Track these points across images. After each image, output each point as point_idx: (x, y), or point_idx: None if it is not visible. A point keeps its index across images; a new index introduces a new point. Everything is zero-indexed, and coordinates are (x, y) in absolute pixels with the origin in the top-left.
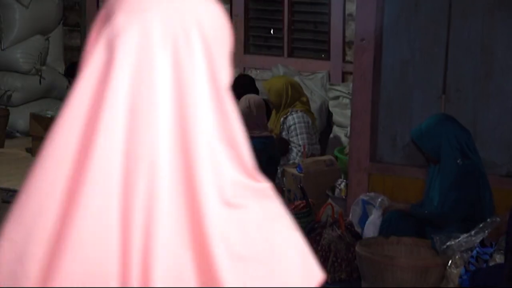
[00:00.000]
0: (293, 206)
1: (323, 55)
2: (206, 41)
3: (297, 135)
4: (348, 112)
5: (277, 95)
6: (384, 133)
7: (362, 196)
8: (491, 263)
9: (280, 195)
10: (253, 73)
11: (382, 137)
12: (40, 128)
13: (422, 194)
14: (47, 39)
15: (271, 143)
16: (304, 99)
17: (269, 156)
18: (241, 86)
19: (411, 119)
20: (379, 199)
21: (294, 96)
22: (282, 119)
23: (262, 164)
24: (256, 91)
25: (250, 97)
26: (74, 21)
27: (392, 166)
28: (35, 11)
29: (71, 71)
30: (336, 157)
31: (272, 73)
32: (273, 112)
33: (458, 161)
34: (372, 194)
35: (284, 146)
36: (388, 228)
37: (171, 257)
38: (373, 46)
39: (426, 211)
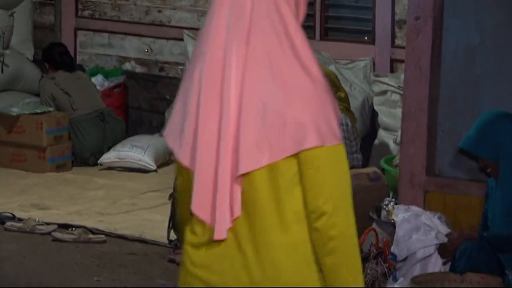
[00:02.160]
0: None
1: (366, 38)
2: None
3: None
4: (398, 111)
5: None
6: (444, 139)
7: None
8: None
9: None
10: None
11: (442, 144)
12: (2, 129)
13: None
14: (11, 14)
15: None
16: (342, 94)
17: None
18: None
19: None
20: (436, 216)
21: (333, 89)
22: None
23: None
24: None
25: None
26: None
27: (455, 181)
28: None
29: (50, 54)
30: (383, 170)
31: None
32: None
33: None
34: (427, 213)
35: None
36: (465, 263)
37: None
38: (431, 26)
39: (505, 233)
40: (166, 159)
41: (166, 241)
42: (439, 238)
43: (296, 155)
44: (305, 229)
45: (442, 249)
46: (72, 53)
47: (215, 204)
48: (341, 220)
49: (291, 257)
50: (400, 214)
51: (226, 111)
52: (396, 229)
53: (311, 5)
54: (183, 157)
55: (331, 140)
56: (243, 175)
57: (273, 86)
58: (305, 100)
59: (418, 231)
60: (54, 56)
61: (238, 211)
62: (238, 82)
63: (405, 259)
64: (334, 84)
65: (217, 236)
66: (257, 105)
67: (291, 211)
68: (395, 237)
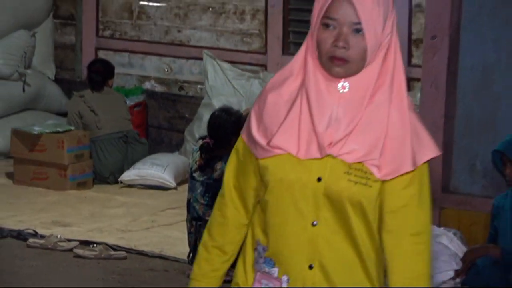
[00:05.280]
0: None
1: None
2: None
3: None
4: None
5: None
6: (460, 157)
7: None
8: None
9: None
10: None
11: (458, 162)
12: (24, 147)
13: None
14: (33, 35)
15: None
16: None
17: None
18: None
19: (495, 137)
20: (451, 233)
21: None
22: None
23: None
24: None
25: None
26: (68, 12)
27: (470, 199)
28: (18, 0)
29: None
30: None
31: None
32: None
33: None
34: (441, 229)
35: None
36: (478, 278)
37: None
38: (447, 45)
39: None
40: (185, 176)
41: (186, 258)
42: (458, 263)
43: None
44: None
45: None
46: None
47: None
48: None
49: None
50: None
51: None
52: None
53: None
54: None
55: None
56: None
57: None
58: None
59: (438, 253)
60: (88, 74)
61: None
62: None
63: None
64: None
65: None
66: None
67: None
68: None
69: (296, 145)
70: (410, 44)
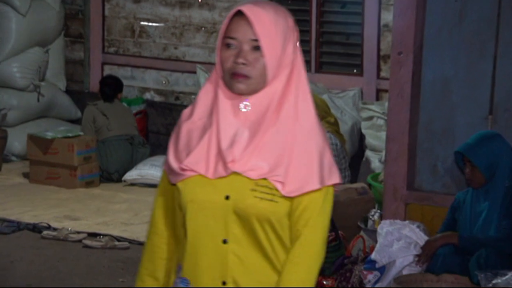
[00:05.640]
0: None
1: (355, 70)
2: None
3: None
4: (383, 134)
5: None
6: (423, 158)
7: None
8: None
9: None
10: None
11: (421, 163)
12: (39, 151)
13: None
14: (47, 51)
15: None
16: (332, 119)
17: None
18: None
19: (454, 142)
20: (415, 226)
21: (319, 115)
22: None
23: None
24: None
25: None
26: (77, 31)
27: (432, 195)
28: (34, 20)
29: (107, 82)
30: (369, 185)
31: None
32: None
33: (506, 184)
34: (406, 222)
35: None
36: (441, 265)
37: None
38: (411, 60)
39: (483, 237)
40: None
41: None
42: (418, 250)
43: None
44: None
45: (420, 255)
46: (98, 84)
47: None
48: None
49: None
50: (385, 227)
51: None
52: (379, 239)
53: (307, 42)
54: None
55: None
56: None
57: None
58: None
59: (399, 241)
60: (100, 87)
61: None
62: None
63: (380, 269)
64: (325, 110)
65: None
66: None
67: None
68: (377, 246)
69: (205, 165)
70: (379, 59)
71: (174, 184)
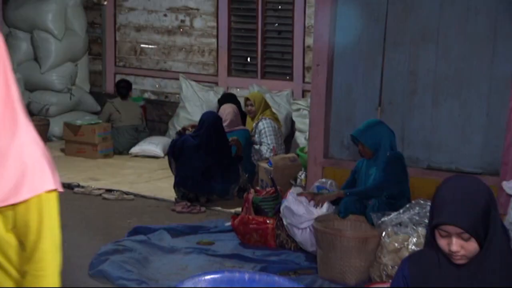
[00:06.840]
0: (265, 192)
1: (287, 77)
2: None
3: (266, 136)
4: (307, 120)
5: (259, 103)
6: (334, 137)
7: (317, 183)
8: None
9: (256, 184)
10: (234, 91)
11: (333, 140)
12: (71, 133)
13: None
14: (76, 65)
15: (249, 133)
16: (272, 110)
17: (249, 141)
18: (227, 99)
19: (355, 125)
20: (329, 182)
21: (266, 106)
22: (254, 124)
23: (244, 146)
24: (238, 102)
25: (231, 105)
26: (97, 51)
27: (340, 161)
28: (67, 43)
29: (122, 85)
30: (298, 155)
31: (249, 91)
32: (248, 119)
33: (387, 153)
34: (323, 180)
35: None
36: (345, 210)
37: None
38: (326, 70)
39: (363, 188)
40: (167, 150)
41: (172, 199)
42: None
43: None
44: None
45: (308, 196)
46: (112, 88)
47: None
48: None
49: None
50: (291, 196)
51: None
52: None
53: (255, 58)
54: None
55: None
56: None
57: None
58: None
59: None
60: (117, 88)
61: None
62: None
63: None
64: (267, 104)
65: None
66: None
67: None
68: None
69: None
70: (304, 70)
71: None
